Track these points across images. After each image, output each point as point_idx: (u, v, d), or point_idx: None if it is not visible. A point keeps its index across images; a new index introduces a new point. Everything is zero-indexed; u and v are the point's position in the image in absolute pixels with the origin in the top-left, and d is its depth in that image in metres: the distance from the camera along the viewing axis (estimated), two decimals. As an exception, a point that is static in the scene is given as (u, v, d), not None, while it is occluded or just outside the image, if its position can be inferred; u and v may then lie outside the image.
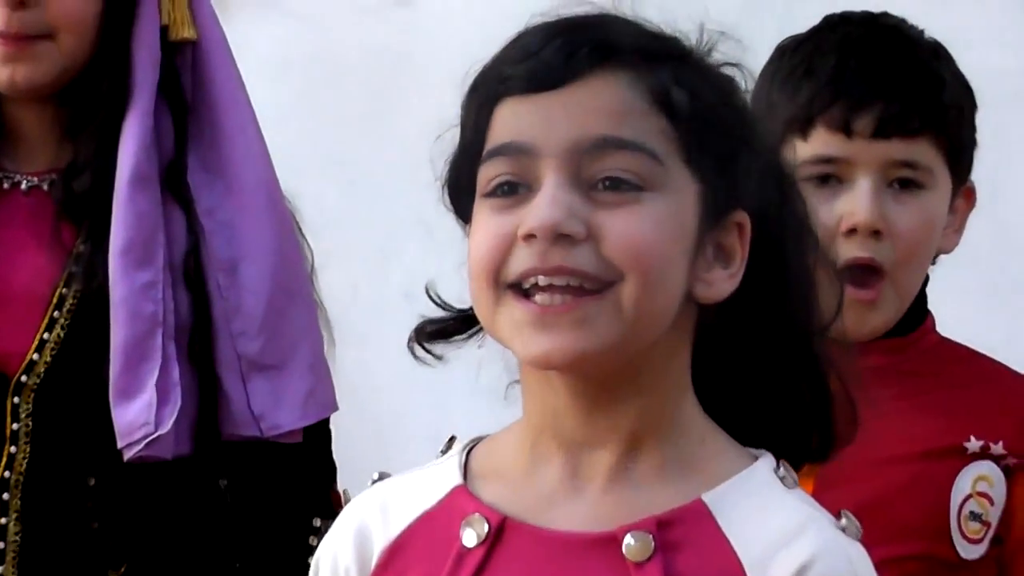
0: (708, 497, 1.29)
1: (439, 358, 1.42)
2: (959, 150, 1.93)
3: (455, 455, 1.36)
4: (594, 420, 1.36)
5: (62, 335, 1.97)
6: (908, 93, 1.88)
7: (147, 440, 1.88)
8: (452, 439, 1.39)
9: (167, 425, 1.89)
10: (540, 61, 1.35)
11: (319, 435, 2.04)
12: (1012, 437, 1.96)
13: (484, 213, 1.31)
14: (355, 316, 2.47)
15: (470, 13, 2.96)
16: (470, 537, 1.32)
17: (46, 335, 1.96)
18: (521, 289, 1.26)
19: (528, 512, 1.33)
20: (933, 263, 2.01)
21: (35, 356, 1.97)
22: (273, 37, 2.93)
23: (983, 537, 1.88)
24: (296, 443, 1.99)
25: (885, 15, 2.04)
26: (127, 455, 1.88)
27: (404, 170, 2.68)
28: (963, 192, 1.93)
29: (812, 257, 1.36)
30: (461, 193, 1.34)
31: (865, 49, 1.93)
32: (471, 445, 1.39)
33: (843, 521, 1.28)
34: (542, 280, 1.24)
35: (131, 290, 1.93)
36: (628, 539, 1.26)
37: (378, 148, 2.73)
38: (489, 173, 1.29)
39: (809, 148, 1.84)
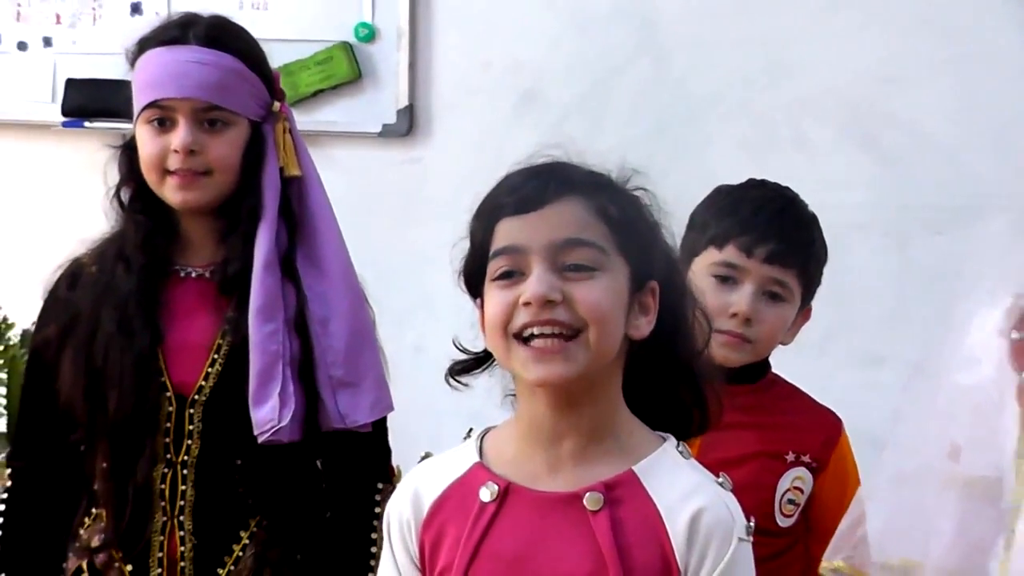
0: (637, 468, 1.79)
1: (465, 385, 1.95)
2: (811, 284, 2.55)
3: (473, 441, 1.87)
4: (564, 419, 1.81)
5: (220, 369, 2.48)
6: (791, 241, 2.48)
7: (273, 431, 2.41)
8: (471, 430, 1.90)
9: (285, 420, 2.42)
10: (524, 193, 1.83)
11: (381, 428, 2.53)
12: (816, 450, 2.58)
13: (493, 291, 1.77)
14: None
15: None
16: (486, 495, 1.80)
17: (209, 370, 2.46)
18: (522, 337, 1.75)
19: (524, 480, 1.81)
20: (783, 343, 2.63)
21: (203, 383, 2.46)
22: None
23: (794, 513, 2.52)
24: (367, 432, 2.50)
25: (788, 188, 2.63)
26: (260, 440, 2.41)
27: (418, 265, 3.19)
28: (805, 311, 2.56)
29: (691, 311, 1.90)
30: (472, 280, 1.85)
31: (772, 206, 2.54)
32: (483, 434, 1.88)
33: (721, 479, 1.81)
34: (536, 331, 1.74)
35: (262, 336, 2.43)
36: (587, 497, 1.75)
37: (399, 252, 3.05)
38: (495, 266, 1.76)
39: (722, 256, 2.43)
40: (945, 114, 3.61)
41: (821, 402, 2.67)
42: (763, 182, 2.64)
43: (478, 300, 1.89)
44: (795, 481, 2.55)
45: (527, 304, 1.79)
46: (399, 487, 2.05)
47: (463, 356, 2.02)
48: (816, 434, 2.65)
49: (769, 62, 3.74)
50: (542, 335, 1.79)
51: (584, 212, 1.86)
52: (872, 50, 3.72)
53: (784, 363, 2.70)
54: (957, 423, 2.39)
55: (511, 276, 1.82)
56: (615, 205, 1.90)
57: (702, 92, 3.70)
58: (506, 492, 1.89)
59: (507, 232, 1.86)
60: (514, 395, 1.93)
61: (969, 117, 3.55)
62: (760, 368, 2.56)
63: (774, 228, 2.52)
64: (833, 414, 2.69)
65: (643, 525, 1.88)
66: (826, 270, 2.78)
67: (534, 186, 1.90)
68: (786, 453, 2.54)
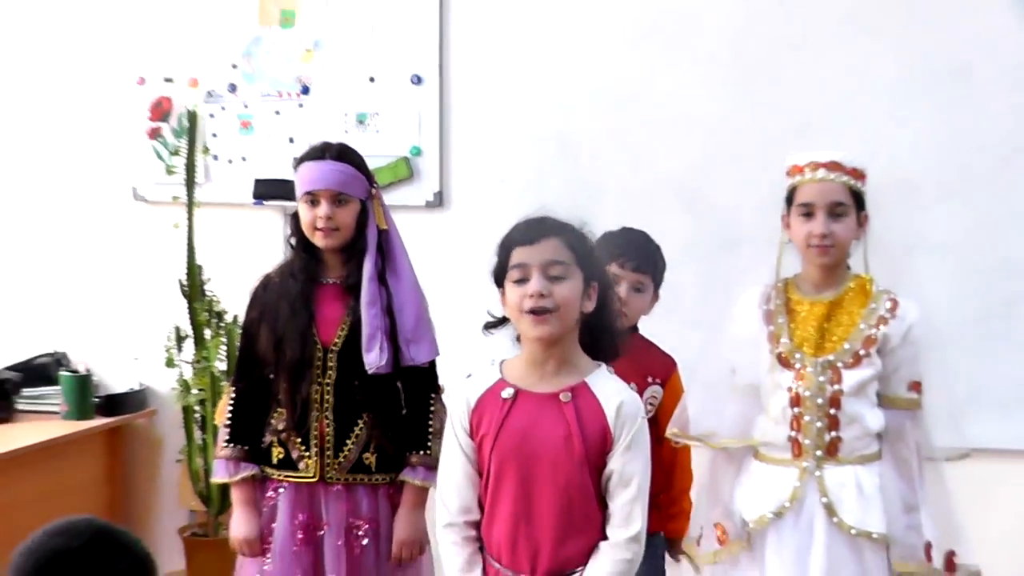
0: (587, 379, 2.21)
1: (492, 333, 2.32)
2: (658, 282, 2.88)
3: (496, 365, 2.28)
4: (547, 354, 2.20)
5: (346, 333, 2.78)
6: (644, 258, 2.85)
7: (375, 366, 2.75)
8: (493, 360, 2.32)
9: (382, 360, 2.77)
10: (528, 234, 2.20)
11: (432, 365, 2.88)
12: (661, 374, 2.90)
13: (512, 287, 2.17)
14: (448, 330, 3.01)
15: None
16: (506, 394, 2.23)
17: (340, 333, 2.79)
18: (530, 312, 2.14)
19: (526, 386, 2.22)
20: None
21: (337, 340, 2.78)
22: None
23: (652, 411, 2.76)
24: (425, 368, 2.85)
25: (643, 231, 2.90)
26: (369, 371, 2.74)
27: (446, 281, 3.32)
28: (655, 297, 2.87)
29: (612, 297, 2.29)
30: (497, 279, 2.23)
31: (633, 237, 2.88)
32: (501, 362, 2.28)
33: (631, 386, 2.28)
34: (535, 307, 2.14)
35: (369, 316, 2.77)
36: (561, 395, 2.19)
37: (432, 272, 3.08)
38: (513, 275, 2.18)
39: (611, 268, 2.65)
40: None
41: (665, 350, 3.02)
42: (626, 228, 2.94)
43: (501, 289, 2.26)
44: (652, 390, 2.90)
45: (531, 296, 2.19)
46: (456, 392, 2.34)
47: (491, 319, 2.36)
48: (661, 365, 2.98)
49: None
50: (537, 311, 2.21)
51: (559, 245, 2.22)
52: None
53: (651, 326, 3.00)
54: (736, 355, 2.79)
55: (521, 281, 2.22)
56: (575, 240, 2.23)
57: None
58: (516, 393, 2.28)
59: (519, 255, 2.23)
60: (519, 339, 2.30)
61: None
62: (633, 330, 2.88)
63: (633, 250, 2.87)
64: (670, 356, 3.02)
65: (591, 410, 2.26)
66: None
67: (533, 229, 2.23)
68: (646, 376, 2.88)
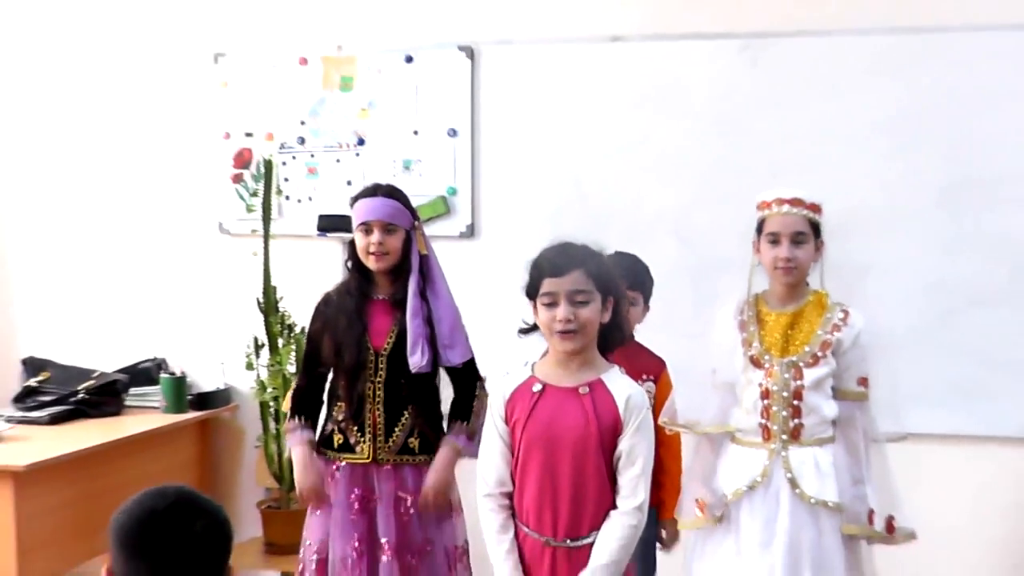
0: (602, 376, 2.27)
1: (526, 336, 2.32)
2: (647, 297, 2.92)
3: (528, 365, 2.34)
4: (571, 359, 2.26)
5: (393, 340, 2.80)
6: (633, 276, 2.84)
7: (418, 366, 2.77)
8: (527, 362, 2.36)
9: (424, 362, 2.78)
10: (555, 264, 2.22)
11: (471, 363, 2.90)
12: (652, 372, 2.93)
13: (542, 308, 2.23)
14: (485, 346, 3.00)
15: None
16: (535, 388, 2.28)
17: (389, 340, 2.81)
18: (558, 332, 2.21)
19: (552, 382, 2.28)
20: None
21: (386, 346, 2.80)
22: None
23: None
24: (463, 367, 2.86)
25: (629, 254, 2.88)
26: (413, 371, 2.76)
27: (477, 301, 3.16)
28: (647, 307, 2.91)
29: (622, 304, 2.31)
30: (529, 295, 2.25)
31: (622, 259, 2.78)
32: (532, 362, 2.34)
33: (639, 382, 2.35)
34: (563, 329, 2.20)
35: (413, 326, 2.79)
36: (580, 389, 2.26)
37: (465, 291, 3.03)
38: (543, 300, 2.23)
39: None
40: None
41: (656, 353, 3.07)
42: (622, 252, 2.87)
43: (533, 303, 2.29)
44: (646, 386, 2.89)
45: (560, 321, 2.23)
46: (495, 387, 2.40)
47: (525, 325, 2.37)
48: (653, 365, 3.02)
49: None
50: (564, 332, 2.25)
51: (581, 275, 2.25)
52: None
53: (649, 335, 3.05)
54: (716, 359, 2.82)
55: (551, 305, 2.25)
56: (595, 267, 2.25)
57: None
58: (544, 388, 2.31)
59: (548, 285, 2.26)
60: (547, 348, 2.35)
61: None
62: (630, 337, 2.90)
63: (625, 271, 2.74)
64: (661, 358, 3.05)
65: (605, 402, 2.28)
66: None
67: (561, 261, 2.24)
68: (641, 374, 2.88)
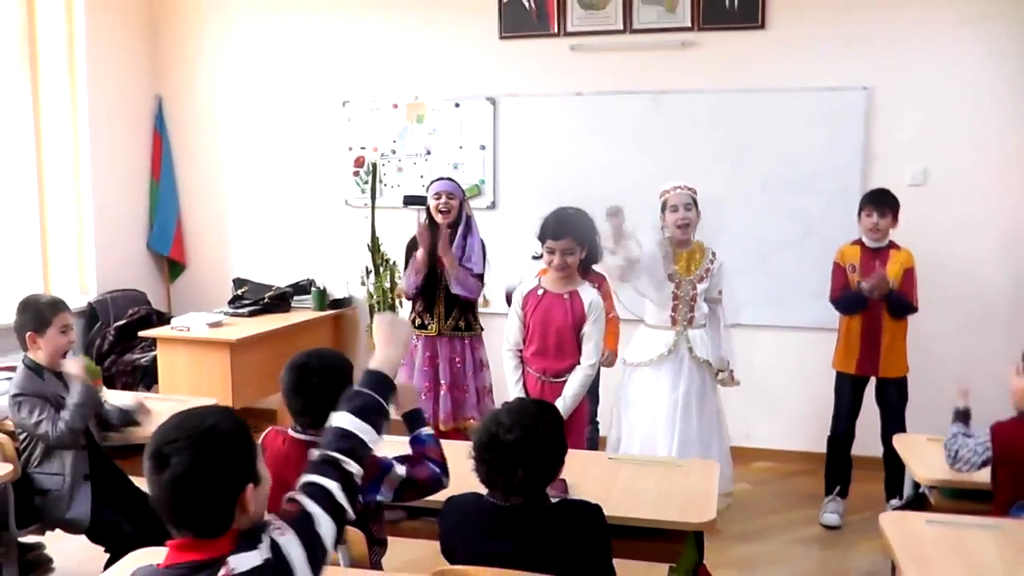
0: (578, 289, 2.52)
1: (536, 259, 2.71)
2: (593, 259, 2.87)
3: (537, 279, 2.64)
4: (561, 278, 2.42)
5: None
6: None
7: (462, 295, 3.36)
8: (536, 277, 2.52)
9: (457, 288, 3.24)
10: (555, 230, 2.31)
11: (480, 278, 3.37)
12: (600, 282, 2.91)
13: (546, 253, 2.50)
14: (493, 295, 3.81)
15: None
16: (538, 292, 2.58)
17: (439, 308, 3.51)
18: (554, 267, 2.39)
19: (550, 289, 2.55)
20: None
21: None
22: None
23: None
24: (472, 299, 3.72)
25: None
26: (453, 290, 3.22)
27: (498, 259, 3.50)
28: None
29: (597, 251, 2.41)
30: (540, 241, 2.51)
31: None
32: (539, 277, 2.60)
33: (593, 287, 2.68)
34: (558, 268, 2.43)
35: (454, 257, 3.42)
36: (564, 294, 2.49)
37: (492, 250, 3.37)
38: (546, 248, 2.49)
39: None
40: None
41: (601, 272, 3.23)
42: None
43: (544, 246, 2.54)
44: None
45: (556, 266, 2.48)
46: (516, 289, 2.53)
47: (535, 254, 2.52)
48: (600, 279, 2.96)
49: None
50: (559, 268, 2.56)
51: (570, 239, 2.49)
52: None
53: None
54: (648, 274, 2.90)
55: (550, 252, 2.52)
56: (579, 232, 2.49)
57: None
58: (544, 292, 2.54)
59: (549, 243, 2.52)
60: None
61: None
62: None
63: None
64: (603, 275, 2.94)
65: (578, 303, 2.52)
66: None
67: (557, 230, 2.45)
68: (592, 283, 2.69)
